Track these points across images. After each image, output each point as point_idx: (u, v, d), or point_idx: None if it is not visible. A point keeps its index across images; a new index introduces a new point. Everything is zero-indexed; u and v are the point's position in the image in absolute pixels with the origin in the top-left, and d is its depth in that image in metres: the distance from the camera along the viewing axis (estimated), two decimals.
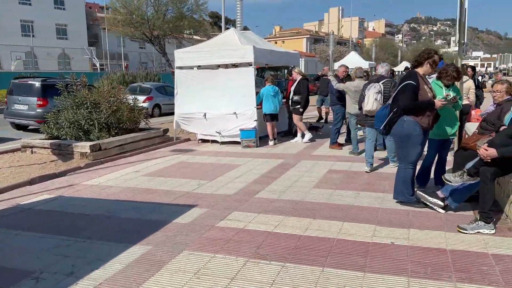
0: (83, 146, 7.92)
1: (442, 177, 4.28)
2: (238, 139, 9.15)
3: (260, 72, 24.68)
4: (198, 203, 5.01)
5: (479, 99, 8.90)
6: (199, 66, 10.09)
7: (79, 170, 7.05)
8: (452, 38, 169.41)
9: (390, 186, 5.52)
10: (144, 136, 9.32)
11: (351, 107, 7.89)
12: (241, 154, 8.26)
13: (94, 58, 46.35)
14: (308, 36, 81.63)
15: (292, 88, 9.33)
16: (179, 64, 9.81)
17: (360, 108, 6.51)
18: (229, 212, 4.64)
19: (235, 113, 9.19)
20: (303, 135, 9.52)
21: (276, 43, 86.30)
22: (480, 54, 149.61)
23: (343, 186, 5.69)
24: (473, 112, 7.78)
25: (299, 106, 9.18)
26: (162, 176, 6.53)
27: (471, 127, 6.86)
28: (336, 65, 23.54)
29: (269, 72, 16.05)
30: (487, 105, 5.84)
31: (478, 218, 3.87)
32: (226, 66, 10.13)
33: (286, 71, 15.04)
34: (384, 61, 7.98)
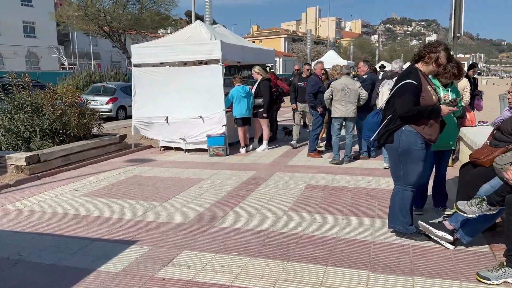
0: (18, 158, 6.64)
1: (455, 206, 3.29)
2: (205, 146, 8.04)
3: (237, 72, 23.54)
4: (140, 238, 3.88)
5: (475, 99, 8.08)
6: (162, 63, 8.95)
7: (7, 188, 5.79)
8: (428, 39, 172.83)
9: (381, 207, 4.53)
10: (96, 144, 8.08)
11: (336, 109, 6.89)
12: (206, 165, 7.15)
13: (62, 57, 44.29)
14: (286, 35, 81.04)
15: (253, 91, 8.31)
16: (137, 61, 8.60)
17: (374, 105, 6.43)
18: (177, 252, 3.53)
19: (201, 117, 8.07)
20: (277, 138, 8.49)
21: (254, 42, 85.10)
22: (461, 55, 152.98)
23: (325, 207, 4.66)
24: (468, 115, 6.92)
25: (262, 110, 8.15)
26: (105, 195, 5.35)
27: (469, 133, 5.97)
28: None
29: (246, 71, 14.93)
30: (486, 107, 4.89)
31: (505, 264, 2.90)
32: (194, 63, 9.01)
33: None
34: (362, 60, 7.03)
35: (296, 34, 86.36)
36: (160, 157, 7.99)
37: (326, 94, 7.00)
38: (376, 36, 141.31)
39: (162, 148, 8.78)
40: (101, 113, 15.89)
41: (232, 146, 8.45)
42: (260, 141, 8.63)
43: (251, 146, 8.65)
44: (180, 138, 8.30)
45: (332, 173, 6.33)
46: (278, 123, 10.22)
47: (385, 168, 6.44)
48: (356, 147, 7.77)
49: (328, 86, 7.36)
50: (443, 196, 4.44)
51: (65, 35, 47.64)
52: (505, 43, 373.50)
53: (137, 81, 8.62)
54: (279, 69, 58.42)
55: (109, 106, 15.41)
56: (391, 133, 3.55)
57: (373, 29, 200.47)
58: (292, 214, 4.47)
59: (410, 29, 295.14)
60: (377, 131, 3.70)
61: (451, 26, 6.53)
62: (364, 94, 6.78)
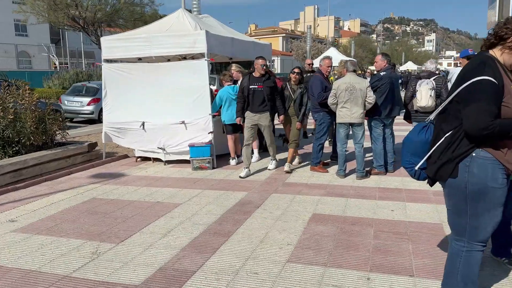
0: None
1: None
2: (188, 157, 6.71)
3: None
4: None
5: None
6: (140, 59, 7.63)
7: None
8: (427, 38, 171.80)
9: (419, 254, 3.21)
10: (57, 155, 6.74)
11: (341, 113, 5.60)
12: (187, 182, 5.82)
13: (53, 55, 42.94)
14: (284, 34, 79.85)
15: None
16: (108, 56, 7.26)
17: (406, 104, 6.07)
18: None
19: (183, 122, 6.75)
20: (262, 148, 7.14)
21: None
22: (453, 53, 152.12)
23: (340, 256, 3.34)
24: None
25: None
26: (46, 231, 4.02)
27: None
28: (316, 62, 21.35)
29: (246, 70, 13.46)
30: None
31: None
32: (179, 59, 7.69)
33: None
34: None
35: (294, 33, 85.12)
36: (133, 171, 6.65)
37: (330, 100, 5.69)
38: (374, 36, 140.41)
39: (139, 159, 7.44)
40: (81, 115, 14.76)
41: (221, 158, 7.13)
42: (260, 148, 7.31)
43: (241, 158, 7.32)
44: (158, 147, 6.97)
45: (343, 195, 5.00)
46: (275, 127, 8.90)
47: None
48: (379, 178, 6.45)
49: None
50: (509, 243, 3.12)
51: (58, 34, 46.30)
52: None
53: (107, 79, 7.28)
54: (277, 69, 57.19)
55: (90, 108, 14.04)
56: (453, 162, 2.23)
57: (371, 28, 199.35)
58: (295, 267, 3.15)
59: (408, 28, 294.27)
60: (426, 157, 2.38)
61: (496, 9, 5.22)
62: (371, 97, 5.48)
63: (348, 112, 5.52)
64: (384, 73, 5.81)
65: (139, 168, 6.88)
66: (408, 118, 6.30)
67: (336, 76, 6.99)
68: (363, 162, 5.72)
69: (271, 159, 6.53)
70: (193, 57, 7.54)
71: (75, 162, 7.12)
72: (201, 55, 6.78)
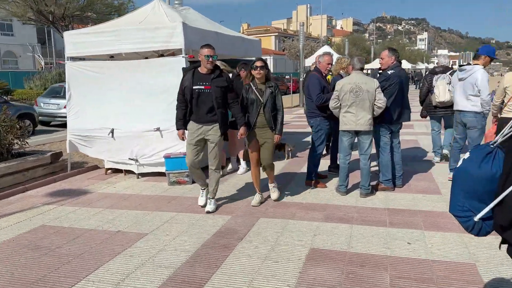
0: None
1: None
2: (164, 169, 5.79)
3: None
4: None
5: None
6: (113, 57, 6.69)
7: None
8: (419, 36, 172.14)
9: None
10: (10, 168, 5.77)
11: (344, 119, 4.73)
12: (160, 202, 4.90)
13: (38, 55, 41.71)
14: (277, 33, 79.07)
15: None
16: (72, 53, 6.31)
17: (422, 101, 6.21)
18: None
19: (158, 129, 5.83)
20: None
21: None
22: (445, 52, 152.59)
23: None
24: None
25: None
26: None
27: None
28: (309, 61, 20.48)
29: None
30: None
31: None
32: (159, 56, 6.74)
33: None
34: (387, 49, 4.80)
35: (287, 32, 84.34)
36: (100, 186, 5.70)
37: (332, 103, 4.80)
38: (366, 35, 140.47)
39: (109, 171, 6.50)
40: (58, 119, 13.73)
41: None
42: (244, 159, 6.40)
43: (228, 168, 6.42)
44: (130, 159, 6.03)
45: (346, 220, 4.11)
46: None
47: (450, 179, 5.18)
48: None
49: (333, 88, 5.18)
50: None
51: (45, 33, 45.00)
52: (493, 41, 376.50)
53: (72, 80, 6.33)
54: (270, 68, 56.25)
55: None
56: None
57: (364, 27, 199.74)
58: None
59: (400, 27, 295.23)
60: (495, 202, 1.50)
61: None
62: (380, 100, 4.61)
63: (353, 117, 4.64)
64: (392, 71, 4.93)
65: (107, 182, 5.94)
66: (423, 115, 6.46)
67: (334, 76, 6.06)
68: (369, 176, 4.84)
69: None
70: (174, 53, 6.61)
71: (35, 176, 6.16)
72: (179, 51, 5.85)
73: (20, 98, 20.59)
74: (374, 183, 5.20)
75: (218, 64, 6.34)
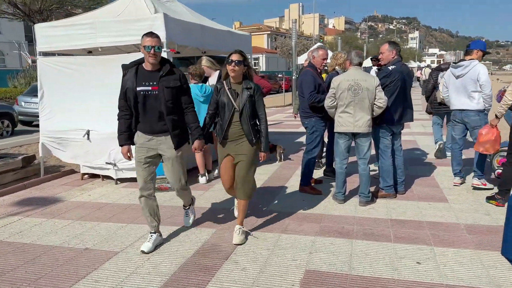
0: None
1: None
2: None
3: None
4: None
5: None
6: (91, 52, 6.17)
7: None
8: (410, 35, 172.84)
9: None
10: None
11: (340, 120, 4.28)
12: (137, 213, 4.40)
13: (25, 53, 40.84)
14: (269, 32, 78.64)
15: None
16: (44, 47, 5.78)
17: (429, 97, 6.21)
18: None
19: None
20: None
21: None
22: (436, 51, 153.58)
23: None
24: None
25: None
26: None
27: None
28: (301, 59, 20.02)
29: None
30: None
31: None
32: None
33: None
34: (387, 42, 4.32)
35: (279, 31, 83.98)
36: (74, 194, 5.18)
37: (328, 101, 4.35)
38: (358, 34, 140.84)
39: (86, 176, 5.98)
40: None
41: (188, 174, 5.71)
42: None
43: (215, 172, 5.94)
44: (107, 162, 5.52)
45: (345, 234, 3.65)
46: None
47: (455, 184, 5.04)
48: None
49: (329, 82, 4.75)
50: None
51: (33, 31, 44.16)
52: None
53: (44, 77, 5.80)
54: (262, 66, 55.86)
55: None
56: None
57: (355, 26, 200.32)
58: None
59: (391, 26, 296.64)
60: None
61: None
62: (381, 99, 4.17)
63: (351, 118, 4.18)
64: (393, 66, 4.48)
65: (82, 189, 5.41)
66: (429, 111, 6.73)
67: (329, 73, 5.60)
68: (368, 183, 4.38)
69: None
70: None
71: (4, 182, 5.63)
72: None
73: (4, 97, 19.88)
74: (372, 188, 4.76)
75: (204, 61, 5.88)
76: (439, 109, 6.60)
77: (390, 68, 4.47)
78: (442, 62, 6.72)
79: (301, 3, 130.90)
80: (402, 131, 4.75)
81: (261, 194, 4.94)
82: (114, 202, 4.81)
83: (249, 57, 8.16)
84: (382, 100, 4.16)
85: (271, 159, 6.81)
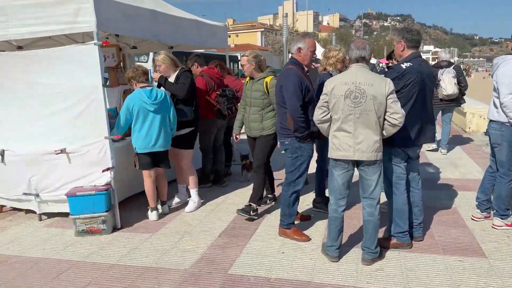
0: None
1: None
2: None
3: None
4: None
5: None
6: (21, 47, 4.81)
7: None
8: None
9: None
10: None
11: (335, 142, 2.96)
12: (49, 274, 3.05)
13: None
14: (263, 29, 77.32)
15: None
16: None
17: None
18: None
19: (64, 150, 3.97)
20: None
21: (229, 36, 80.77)
22: (431, 48, 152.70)
23: None
24: None
25: (188, 130, 4.29)
26: None
27: None
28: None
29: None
30: None
31: None
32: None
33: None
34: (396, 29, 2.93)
35: (273, 28, 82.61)
36: None
37: (318, 113, 3.01)
38: (353, 31, 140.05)
39: (9, 207, 4.62)
40: None
41: (136, 203, 4.39)
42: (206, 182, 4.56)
43: (175, 201, 4.61)
44: (25, 193, 4.16)
45: None
46: (234, 147, 6.21)
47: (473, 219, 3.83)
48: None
49: (320, 87, 3.47)
50: None
51: None
52: (477, 37, 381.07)
53: None
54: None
55: None
56: None
57: (350, 23, 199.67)
58: None
59: (386, 23, 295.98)
60: None
61: None
62: (397, 114, 2.85)
63: (350, 139, 2.86)
64: (408, 64, 3.15)
65: None
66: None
67: (320, 73, 4.24)
68: (377, 234, 3.06)
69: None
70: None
71: None
72: (90, 37, 3.98)
73: None
74: (381, 237, 3.44)
75: (162, 57, 4.48)
76: (439, 105, 6.58)
77: (403, 66, 3.14)
78: (440, 60, 6.70)
79: (295, 0, 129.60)
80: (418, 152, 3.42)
81: (232, 234, 3.62)
82: (21, 254, 3.46)
83: (225, 52, 6.85)
84: (398, 115, 2.84)
85: (249, 179, 5.49)
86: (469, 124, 9.11)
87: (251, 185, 5.09)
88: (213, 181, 5.27)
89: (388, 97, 2.82)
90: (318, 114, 3.01)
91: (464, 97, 6.77)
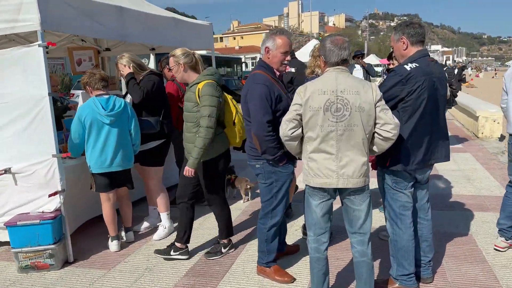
0: None
1: None
2: None
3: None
4: None
5: None
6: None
7: None
8: None
9: None
10: None
11: (318, 166, 2.31)
12: None
13: None
14: (268, 31, 76.86)
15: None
16: None
17: None
18: None
19: (8, 170, 3.38)
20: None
21: (234, 38, 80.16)
22: (439, 47, 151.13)
23: None
24: None
25: (155, 143, 3.70)
26: None
27: None
28: (298, 56, 17.95)
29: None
30: None
31: None
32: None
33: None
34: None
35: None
36: None
37: (288, 128, 2.34)
38: (359, 32, 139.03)
39: None
40: None
41: (97, 227, 3.79)
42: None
43: (143, 226, 4.01)
44: None
45: None
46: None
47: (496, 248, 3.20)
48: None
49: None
50: None
51: None
52: (485, 37, 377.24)
53: None
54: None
55: None
56: None
57: (356, 24, 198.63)
58: None
59: (392, 24, 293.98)
60: None
61: None
62: (389, 125, 2.23)
63: (332, 162, 2.22)
64: (413, 65, 2.51)
65: None
66: None
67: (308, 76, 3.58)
68: (372, 278, 2.42)
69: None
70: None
71: None
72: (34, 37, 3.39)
73: None
74: (379, 279, 2.78)
75: (126, 59, 3.90)
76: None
77: (407, 68, 2.50)
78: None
79: (300, 1, 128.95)
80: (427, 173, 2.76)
81: (203, 273, 2.99)
82: None
83: (210, 52, 6.26)
84: (390, 126, 2.21)
85: (235, 196, 4.88)
86: (481, 129, 8.41)
87: (236, 204, 4.49)
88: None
89: (376, 105, 2.19)
90: (286, 129, 2.33)
91: (476, 98, 6.23)
